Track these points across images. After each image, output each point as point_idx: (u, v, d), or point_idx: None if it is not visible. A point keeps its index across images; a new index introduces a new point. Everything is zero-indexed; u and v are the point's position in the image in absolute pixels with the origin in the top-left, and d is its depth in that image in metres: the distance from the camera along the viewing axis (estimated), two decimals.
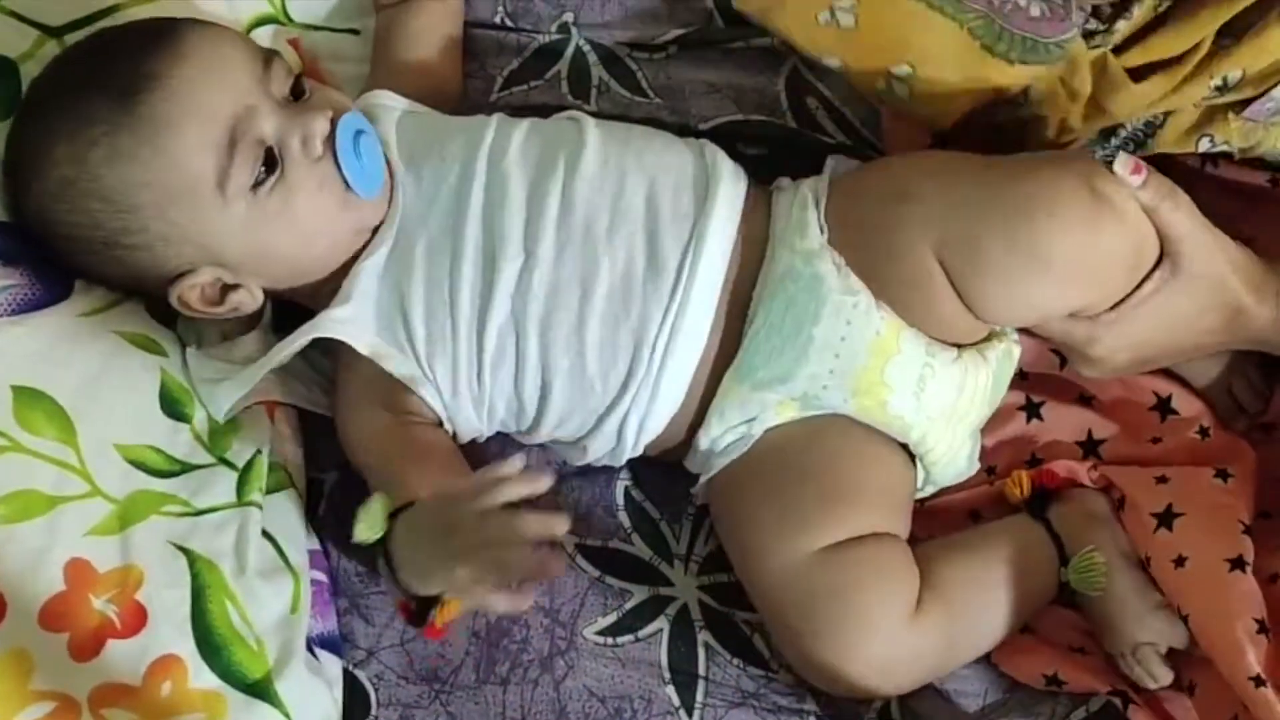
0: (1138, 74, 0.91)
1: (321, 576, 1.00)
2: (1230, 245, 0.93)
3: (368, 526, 0.86)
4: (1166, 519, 0.96)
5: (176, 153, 0.89)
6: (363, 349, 0.94)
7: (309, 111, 0.92)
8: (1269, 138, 0.94)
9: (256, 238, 0.92)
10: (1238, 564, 0.93)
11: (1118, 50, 0.92)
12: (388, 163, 0.97)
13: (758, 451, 0.95)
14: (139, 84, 0.88)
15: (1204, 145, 0.95)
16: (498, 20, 1.14)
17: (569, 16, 1.13)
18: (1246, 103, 0.92)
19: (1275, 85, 0.90)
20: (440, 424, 0.98)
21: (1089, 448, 1.04)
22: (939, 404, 0.95)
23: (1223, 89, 0.90)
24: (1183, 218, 0.90)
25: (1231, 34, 0.90)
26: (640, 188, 0.95)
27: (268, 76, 0.92)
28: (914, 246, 0.92)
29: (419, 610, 0.86)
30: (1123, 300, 0.92)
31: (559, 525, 0.81)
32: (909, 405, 0.94)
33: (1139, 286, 0.92)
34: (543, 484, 0.83)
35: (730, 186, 0.96)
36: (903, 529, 0.97)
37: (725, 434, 0.96)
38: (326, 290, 0.96)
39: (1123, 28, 0.91)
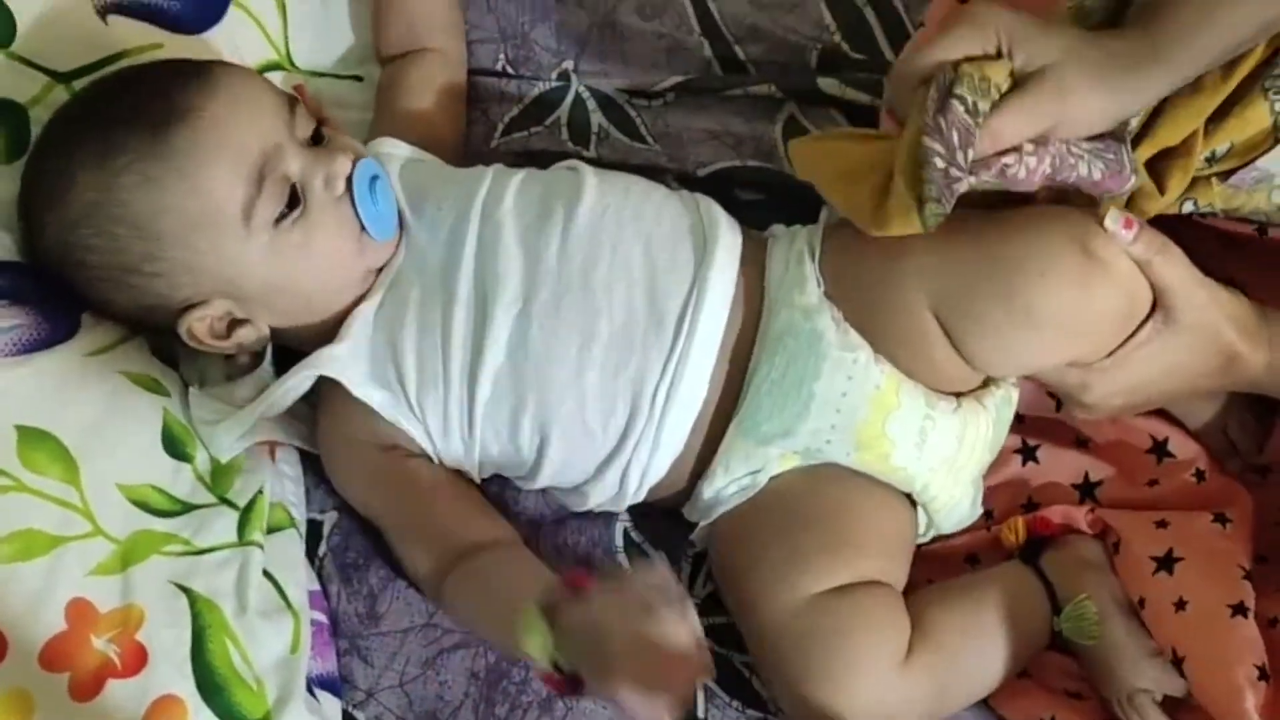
0: (1149, 166, 0.92)
1: (321, 617, 1.00)
2: (1223, 294, 0.93)
3: (538, 646, 0.80)
4: (1167, 563, 0.96)
5: (206, 182, 0.90)
6: (355, 389, 0.95)
7: (332, 153, 0.94)
8: (1251, 200, 0.94)
9: (274, 271, 0.93)
10: (1239, 609, 0.93)
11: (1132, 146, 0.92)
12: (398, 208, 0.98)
13: (760, 498, 0.96)
14: (170, 116, 0.90)
15: (1188, 208, 0.96)
16: (499, 68, 1.16)
17: (569, 64, 1.14)
18: (1231, 171, 0.92)
19: (1259, 155, 0.91)
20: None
21: (1085, 490, 1.04)
22: (941, 455, 0.95)
23: (1211, 160, 0.92)
24: (1175, 270, 0.91)
25: (1219, 109, 0.91)
26: (639, 238, 0.96)
27: (293, 119, 0.94)
28: (910, 303, 0.92)
29: (570, 683, 0.80)
30: (1117, 349, 0.92)
31: (706, 671, 0.77)
32: (911, 458, 0.94)
33: (1133, 335, 0.92)
34: (695, 635, 0.76)
35: (728, 237, 0.97)
36: (901, 576, 0.97)
37: (729, 485, 0.96)
38: (324, 331, 0.97)
39: (1134, 123, 0.92)
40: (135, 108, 0.91)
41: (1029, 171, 0.84)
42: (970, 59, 0.84)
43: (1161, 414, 1.04)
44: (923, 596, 0.97)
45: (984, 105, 0.82)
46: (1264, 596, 0.96)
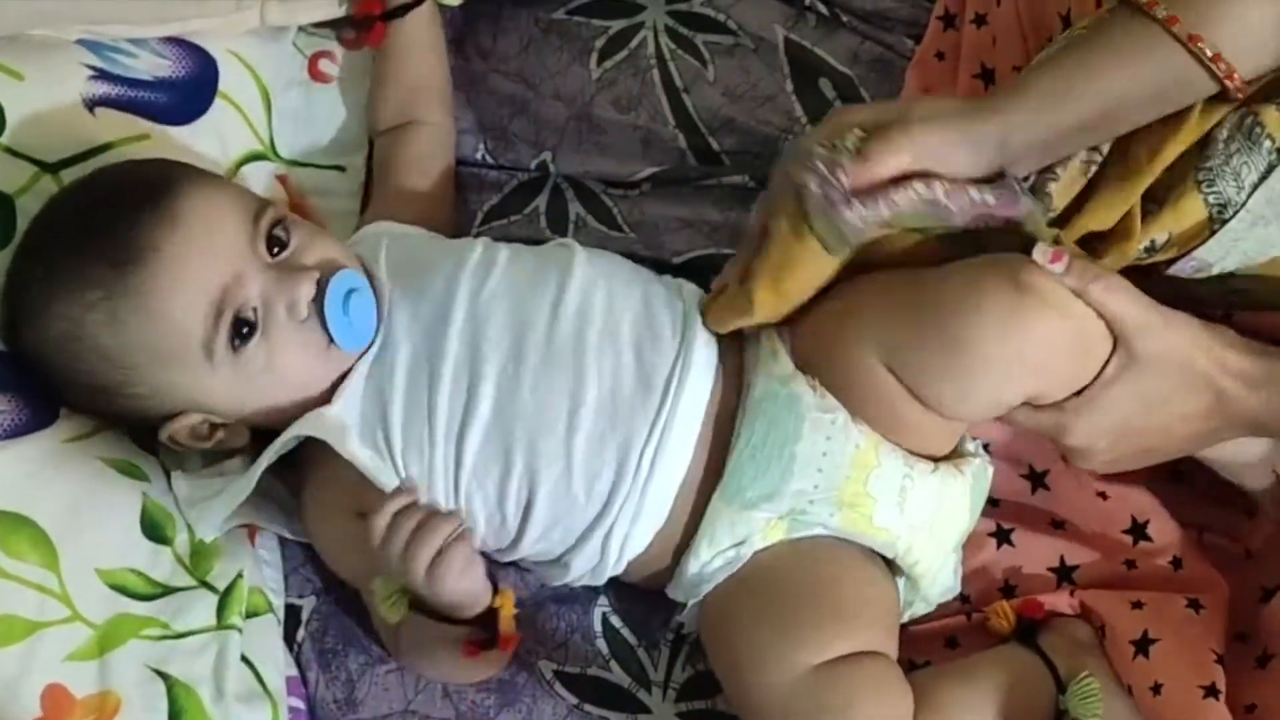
0: (1090, 250, 0.93)
1: (299, 704, 1.00)
2: (1195, 327, 0.92)
3: (390, 608, 0.92)
4: (1143, 645, 0.97)
5: (167, 322, 0.92)
6: (342, 449, 0.95)
7: (295, 275, 0.94)
8: (1193, 289, 0.95)
9: (241, 391, 0.95)
10: (1211, 691, 0.94)
11: (1060, 223, 0.95)
12: (377, 297, 0.99)
13: (748, 572, 0.96)
14: (133, 254, 0.91)
15: None
16: (479, 158, 1.18)
17: (547, 155, 1.17)
18: (1171, 262, 0.94)
19: (1197, 246, 0.92)
20: None
21: (1062, 574, 1.04)
22: (922, 514, 0.96)
23: (1151, 250, 0.93)
24: (1118, 298, 0.90)
25: (1156, 200, 0.93)
26: (627, 309, 0.98)
27: (256, 233, 0.95)
28: (864, 360, 0.94)
29: (486, 640, 0.92)
30: (1087, 387, 0.92)
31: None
32: (893, 516, 0.95)
33: (1101, 373, 0.91)
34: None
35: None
36: (894, 649, 0.97)
37: (714, 559, 0.96)
38: (308, 406, 0.97)
39: (1053, 189, 0.94)
40: (103, 239, 0.92)
41: (920, 198, 0.89)
42: None
43: (1153, 491, 1.04)
44: (924, 677, 0.97)
45: (843, 144, 0.89)
46: (1241, 674, 0.96)
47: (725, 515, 0.95)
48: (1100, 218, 0.92)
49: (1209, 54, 0.86)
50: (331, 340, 0.94)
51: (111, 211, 0.93)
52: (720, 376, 0.98)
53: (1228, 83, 0.87)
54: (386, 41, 1.14)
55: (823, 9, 1.16)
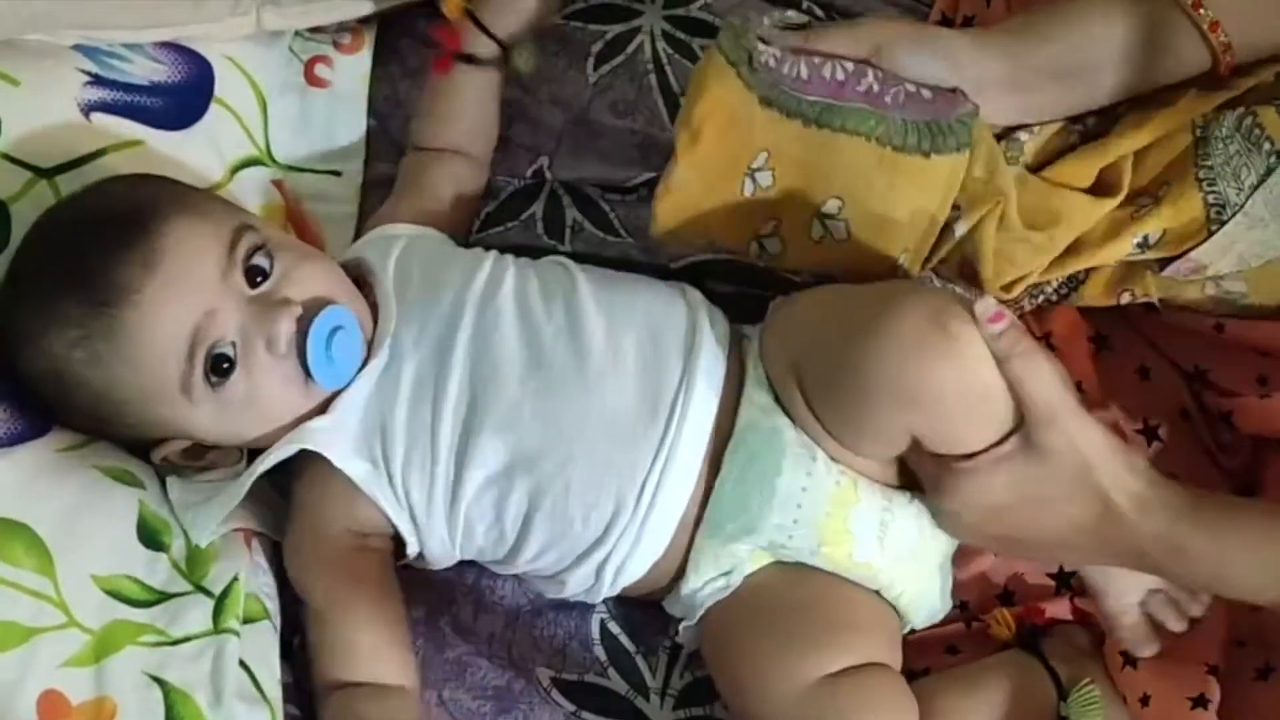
0: (1070, 250, 0.93)
1: (295, 711, 0.99)
2: (1105, 438, 0.86)
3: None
4: (1131, 657, 0.97)
5: (145, 363, 0.92)
6: (338, 461, 0.95)
7: (276, 311, 0.93)
8: (1185, 292, 0.95)
9: (224, 423, 0.95)
10: (1199, 702, 0.93)
11: (1032, 173, 0.94)
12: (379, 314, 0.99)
13: (745, 592, 0.95)
14: (109, 295, 0.91)
15: (1125, 299, 0.97)
16: None
17: (543, 161, 1.16)
18: (1166, 262, 0.93)
19: (1193, 246, 0.91)
20: (398, 547, 0.99)
21: (1061, 580, 1.04)
22: (903, 547, 0.95)
23: (1144, 246, 0.92)
24: (1038, 384, 0.85)
25: (1153, 196, 0.93)
26: (630, 331, 0.97)
27: (232, 264, 0.93)
28: (783, 372, 0.93)
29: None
30: (976, 455, 0.87)
31: None
32: (873, 551, 0.94)
33: (995, 447, 0.87)
34: None
35: (716, 328, 0.99)
36: (897, 660, 0.97)
37: (704, 586, 0.96)
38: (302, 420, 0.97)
39: (1025, 140, 0.93)
40: (81, 279, 0.92)
41: (847, 76, 0.90)
42: None
43: None
44: (929, 684, 0.97)
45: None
46: (1239, 682, 0.96)
47: (709, 549, 0.95)
48: (1072, 171, 0.90)
49: (1208, 20, 0.84)
50: (309, 376, 0.94)
51: (90, 248, 0.93)
52: (724, 390, 0.97)
53: (1223, 56, 0.86)
54: (452, 77, 1.13)
55: (819, 14, 1.16)
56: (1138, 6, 0.87)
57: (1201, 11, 0.85)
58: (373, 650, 0.98)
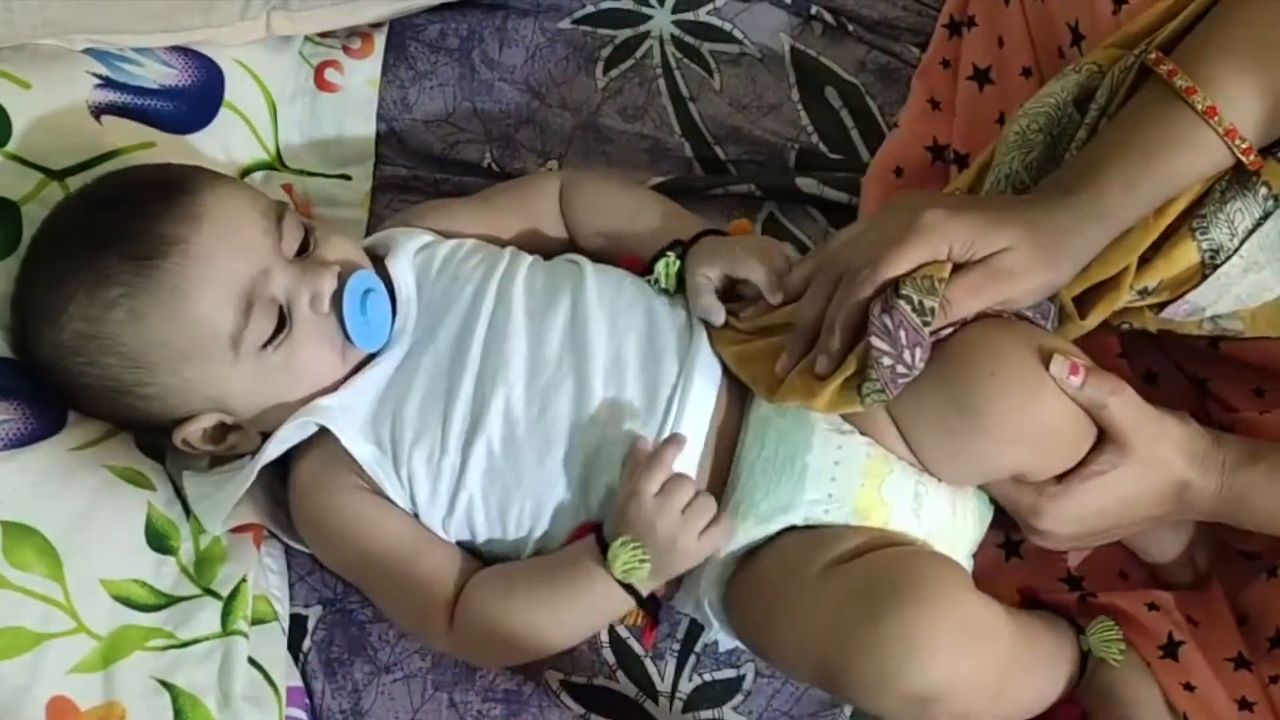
0: (1079, 301, 0.94)
1: (301, 715, 1.00)
2: (1174, 426, 0.93)
3: (623, 566, 0.91)
4: (1171, 649, 0.96)
5: (194, 316, 0.92)
6: (345, 440, 0.95)
7: (318, 270, 0.95)
8: (1183, 328, 0.96)
9: (259, 388, 0.95)
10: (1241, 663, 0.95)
11: None
12: (394, 303, 0.99)
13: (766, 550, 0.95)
14: (157, 250, 0.91)
15: (1124, 329, 0.98)
16: (485, 165, 1.18)
17: (553, 164, 1.17)
18: (1163, 305, 0.94)
19: (1189, 290, 0.92)
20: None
21: (1072, 583, 1.04)
22: (938, 522, 0.95)
23: (1143, 294, 0.93)
24: (1126, 410, 0.91)
25: (1149, 247, 0.93)
26: (632, 328, 0.98)
27: (279, 232, 0.95)
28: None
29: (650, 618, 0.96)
30: (1068, 474, 0.92)
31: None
32: (910, 522, 0.94)
33: (1085, 464, 0.91)
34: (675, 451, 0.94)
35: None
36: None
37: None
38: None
39: None
40: (124, 236, 0.92)
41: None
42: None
43: None
44: None
45: (930, 303, 0.87)
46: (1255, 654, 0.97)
47: (742, 530, 0.94)
48: (1100, 271, 0.92)
49: (1238, 139, 0.87)
50: (347, 337, 0.95)
51: (129, 210, 0.93)
52: (725, 390, 0.97)
53: (1244, 158, 0.88)
54: None
55: (829, 18, 1.16)
56: (1193, 144, 0.88)
57: (1236, 141, 0.87)
58: (445, 555, 0.97)
